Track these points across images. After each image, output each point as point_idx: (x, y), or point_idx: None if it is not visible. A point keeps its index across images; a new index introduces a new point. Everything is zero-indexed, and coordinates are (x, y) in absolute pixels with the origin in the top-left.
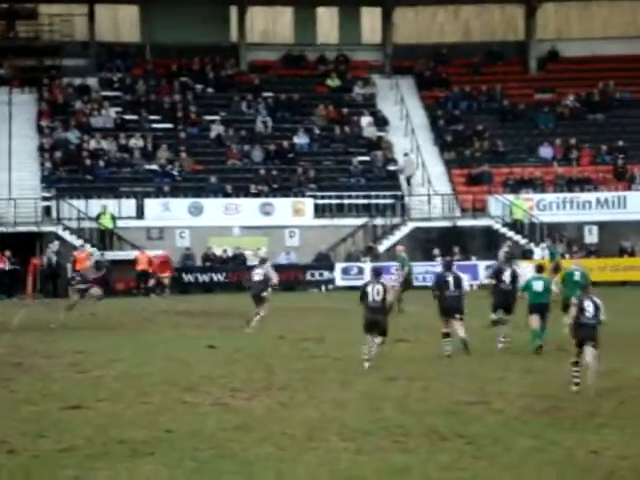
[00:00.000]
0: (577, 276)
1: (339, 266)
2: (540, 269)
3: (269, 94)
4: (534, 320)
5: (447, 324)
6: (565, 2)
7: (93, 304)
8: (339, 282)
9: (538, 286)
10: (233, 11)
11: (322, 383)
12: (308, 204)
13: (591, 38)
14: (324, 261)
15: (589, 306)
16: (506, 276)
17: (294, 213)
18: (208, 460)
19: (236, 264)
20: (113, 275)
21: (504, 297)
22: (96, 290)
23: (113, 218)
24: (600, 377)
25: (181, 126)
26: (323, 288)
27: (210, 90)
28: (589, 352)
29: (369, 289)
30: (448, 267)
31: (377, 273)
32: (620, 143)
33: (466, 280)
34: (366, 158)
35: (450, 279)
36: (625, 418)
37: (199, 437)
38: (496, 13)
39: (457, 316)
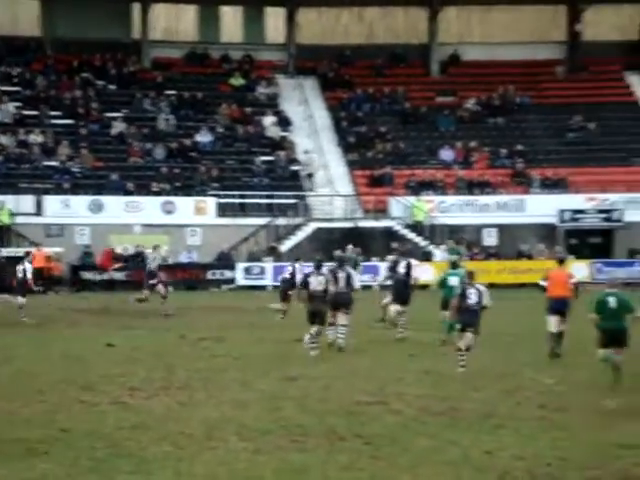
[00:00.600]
0: (453, 280)
1: (241, 265)
2: (455, 265)
3: (172, 92)
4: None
5: (334, 316)
6: (466, 7)
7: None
8: (240, 281)
9: (454, 281)
10: (136, 8)
11: (222, 382)
12: (210, 203)
13: (492, 43)
14: (225, 260)
15: (471, 293)
16: (401, 267)
17: (196, 212)
18: (105, 459)
19: (136, 262)
20: (9, 272)
21: (400, 287)
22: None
23: (11, 214)
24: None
25: (82, 122)
26: (224, 287)
27: (112, 87)
28: (467, 337)
29: (312, 279)
30: (340, 263)
31: (341, 262)
32: (519, 147)
33: (357, 278)
34: (269, 158)
35: (341, 275)
36: (520, 419)
37: (96, 436)
38: (400, 16)
39: (343, 310)
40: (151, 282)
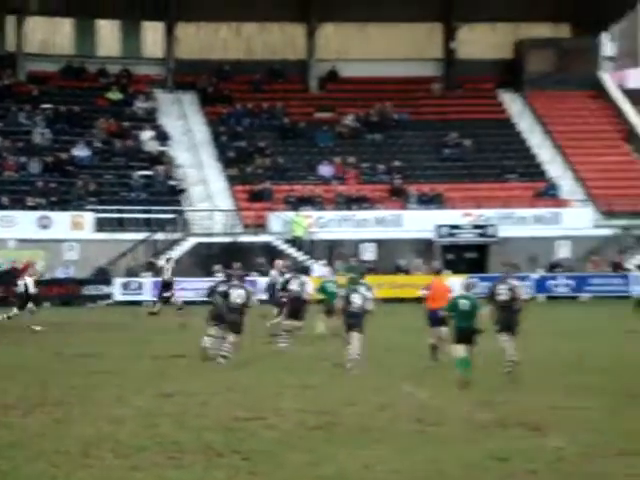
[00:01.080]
0: (331, 287)
1: (118, 281)
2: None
3: (48, 105)
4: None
5: (217, 330)
6: (344, 23)
7: None
8: (118, 297)
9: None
10: (10, 20)
11: (98, 399)
12: (88, 218)
13: (370, 59)
14: (102, 275)
15: (355, 297)
16: (294, 284)
17: (73, 227)
18: None
19: (10, 278)
20: None
21: (295, 304)
22: None
23: None
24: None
25: None
26: (100, 303)
27: None
28: (355, 336)
29: (232, 291)
30: (228, 278)
31: (241, 277)
32: (397, 163)
33: (253, 295)
34: (147, 172)
35: (232, 291)
36: (397, 433)
37: None
38: (277, 32)
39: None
40: (165, 294)
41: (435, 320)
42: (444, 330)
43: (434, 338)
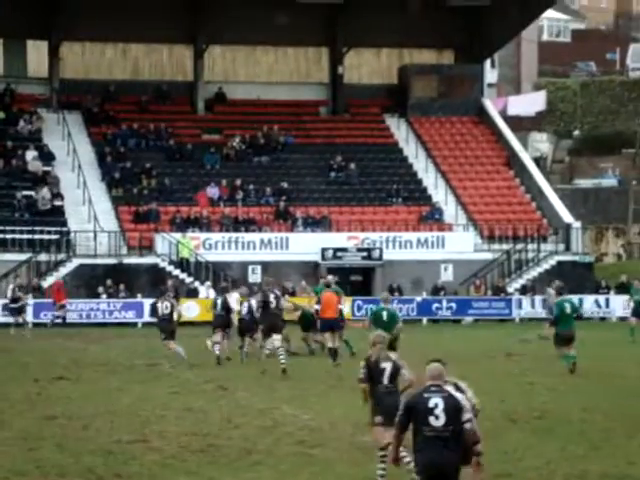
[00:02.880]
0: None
1: (0, 302)
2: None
3: None
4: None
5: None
6: (231, 46)
7: None
8: (10, 318)
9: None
10: None
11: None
12: None
13: (257, 82)
14: None
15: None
16: (271, 298)
17: None
18: None
19: None
20: None
21: (273, 319)
22: None
23: None
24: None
25: None
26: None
27: None
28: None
29: (159, 304)
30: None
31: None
32: (283, 185)
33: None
34: (31, 193)
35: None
36: (279, 455)
37: None
38: (165, 53)
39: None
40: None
41: (326, 326)
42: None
43: (331, 342)
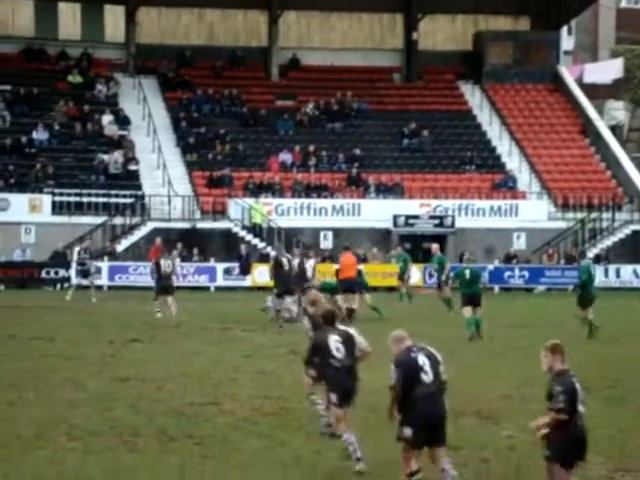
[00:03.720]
0: None
1: (76, 265)
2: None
3: (7, 87)
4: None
5: None
6: (306, 12)
7: None
8: (75, 281)
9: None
10: None
11: (52, 382)
12: (46, 200)
13: (331, 48)
14: (60, 259)
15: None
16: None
17: (31, 209)
18: None
19: None
20: None
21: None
22: None
23: None
24: None
25: None
26: (58, 286)
27: None
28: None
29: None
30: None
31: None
32: (356, 152)
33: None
34: (107, 156)
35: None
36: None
37: None
38: (240, 18)
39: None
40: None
41: (345, 287)
42: (356, 296)
43: (347, 303)
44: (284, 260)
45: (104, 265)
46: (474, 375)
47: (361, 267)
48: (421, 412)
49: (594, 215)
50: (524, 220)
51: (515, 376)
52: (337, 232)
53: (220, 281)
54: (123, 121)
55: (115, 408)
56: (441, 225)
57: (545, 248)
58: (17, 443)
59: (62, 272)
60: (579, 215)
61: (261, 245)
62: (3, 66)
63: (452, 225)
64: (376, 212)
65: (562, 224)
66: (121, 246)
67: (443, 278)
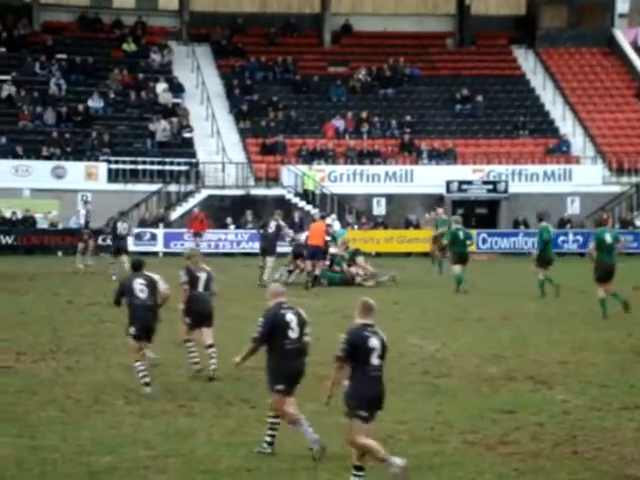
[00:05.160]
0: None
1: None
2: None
3: (63, 56)
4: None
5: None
6: None
7: None
8: (131, 247)
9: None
10: None
11: (110, 347)
12: (102, 168)
13: (383, 14)
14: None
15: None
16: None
17: (87, 177)
18: None
19: (25, 227)
20: None
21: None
22: None
23: None
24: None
25: None
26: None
27: (2, 49)
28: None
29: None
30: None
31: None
32: (408, 118)
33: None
34: (168, 124)
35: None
36: (404, 384)
37: None
38: None
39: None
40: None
41: (311, 254)
42: (311, 262)
43: (312, 267)
44: (271, 223)
45: (159, 232)
46: (528, 340)
47: (328, 238)
48: (289, 365)
49: None
50: (578, 185)
51: (569, 341)
52: (390, 198)
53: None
54: (177, 89)
55: (172, 373)
56: (494, 190)
57: (599, 212)
58: (76, 407)
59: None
60: (634, 179)
61: (314, 212)
62: (59, 35)
63: (505, 190)
64: (429, 178)
65: (616, 188)
66: (176, 213)
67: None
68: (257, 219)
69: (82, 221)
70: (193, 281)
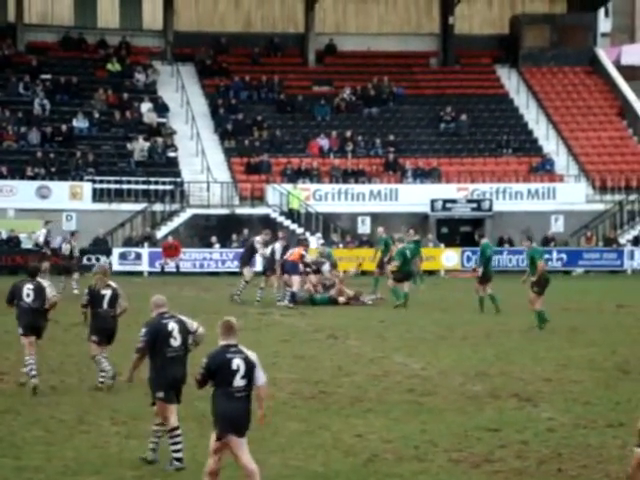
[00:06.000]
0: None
1: (116, 251)
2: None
3: (47, 76)
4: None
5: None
6: None
7: None
8: (116, 267)
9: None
10: None
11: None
12: (86, 188)
13: (367, 34)
14: (101, 246)
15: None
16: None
17: (71, 197)
18: None
19: (10, 247)
20: None
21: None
22: None
23: None
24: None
25: None
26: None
27: None
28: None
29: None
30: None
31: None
32: (393, 137)
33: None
34: (146, 144)
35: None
36: (389, 403)
37: None
38: (276, 5)
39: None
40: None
41: (287, 269)
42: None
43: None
44: (257, 246)
45: (144, 251)
46: (513, 358)
47: (303, 252)
48: (169, 373)
49: (632, 197)
50: (562, 203)
51: (554, 359)
52: (375, 217)
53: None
54: (162, 109)
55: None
56: (479, 209)
57: (583, 231)
58: (60, 427)
59: (103, 258)
60: (617, 197)
61: (299, 230)
62: (43, 55)
63: (490, 209)
64: (413, 197)
65: (600, 206)
66: (161, 232)
67: (385, 259)
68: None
69: (41, 239)
70: (95, 299)
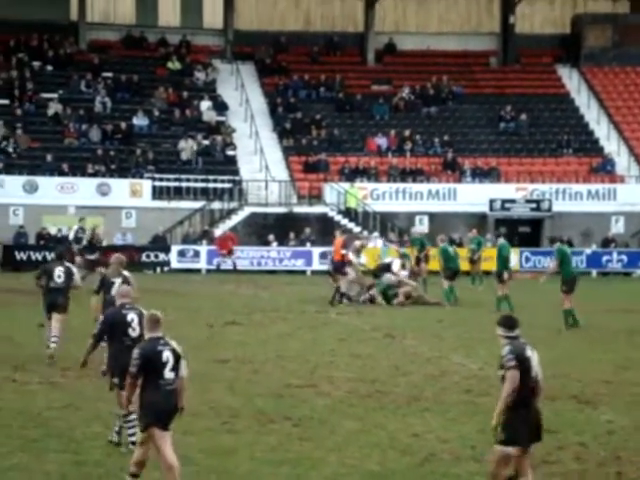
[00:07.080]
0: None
1: (175, 248)
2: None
3: (109, 74)
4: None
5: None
6: None
7: None
8: (174, 264)
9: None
10: None
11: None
12: (146, 185)
13: (427, 33)
14: (160, 243)
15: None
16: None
17: (131, 194)
18: (35, 438)
19: (70, 243)
20: None
21: None
22: None
23: None
24: None
25: (17, 103)
26: (158, 270)
27: (49, 68)
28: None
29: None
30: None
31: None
32: (452, 136)
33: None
34: (205, 142)
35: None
36: (446, 403)
37: (26, 415)
38: (336, 4)
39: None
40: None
41: (336, 268)
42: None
43: (340, 283)
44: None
45: (202, 249)
46: (572, 360)
47: (344, 251)
48: (124, 361)
49: None
50: (622, 204)
51: (614, 361)
52: (432, 217)
53: (316, 265)
54: (221, 107)
55: (214, 390)
56: (538, 209)
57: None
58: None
59: (162, 256)
60: None
61: (357, 229)
62: (104, 54)
63: (549, 209)
64: (472, 196)
65: None
66: (219, 230)
67: (421, 256)
68: (299, 237)
69: (72, 236)
70: (106, 287)
